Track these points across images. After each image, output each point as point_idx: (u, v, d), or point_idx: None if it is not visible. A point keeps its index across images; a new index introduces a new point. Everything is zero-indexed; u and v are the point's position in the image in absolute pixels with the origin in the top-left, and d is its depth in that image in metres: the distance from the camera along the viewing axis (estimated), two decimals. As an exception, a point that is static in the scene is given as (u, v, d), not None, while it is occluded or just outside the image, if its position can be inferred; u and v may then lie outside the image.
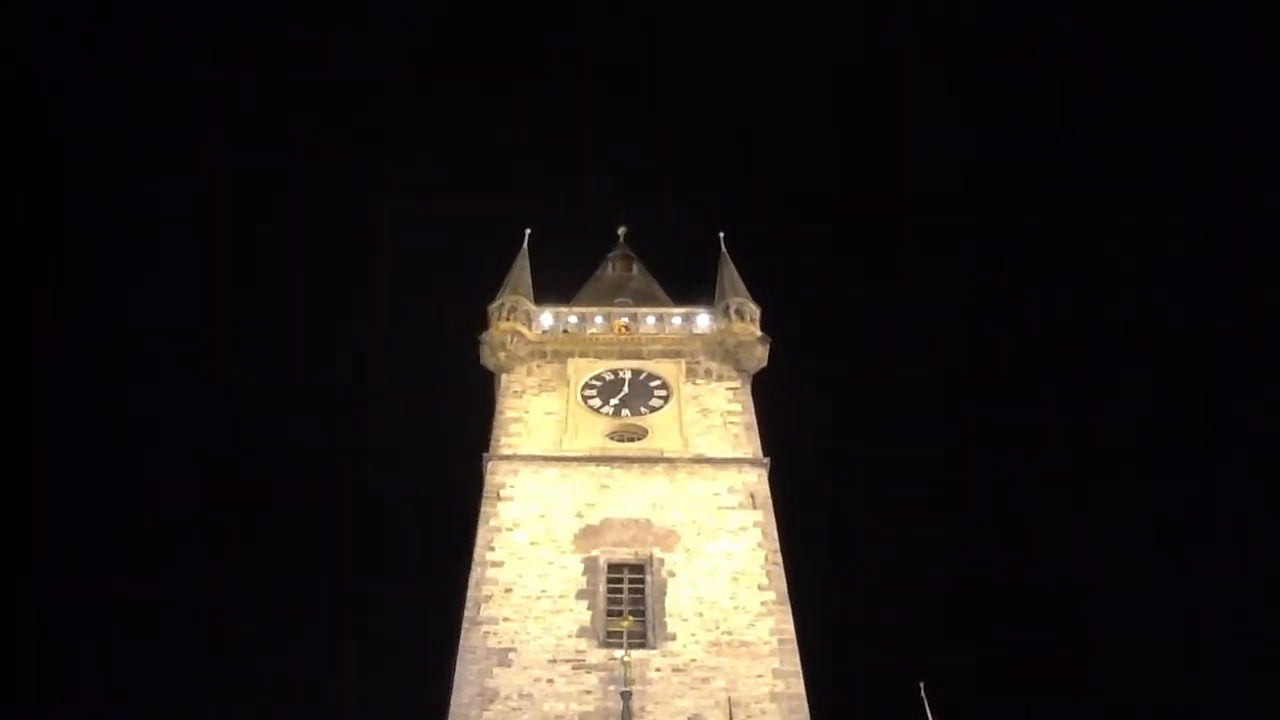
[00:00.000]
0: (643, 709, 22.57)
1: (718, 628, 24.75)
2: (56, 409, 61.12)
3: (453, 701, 23.13)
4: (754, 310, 33.92)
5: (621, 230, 42.30)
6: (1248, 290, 56.60)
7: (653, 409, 30.91)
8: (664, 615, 24.94)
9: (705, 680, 23.57)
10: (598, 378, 31.97)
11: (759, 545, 26.74)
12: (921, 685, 23.94)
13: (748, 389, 31.82)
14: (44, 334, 62.77)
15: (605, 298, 36.79)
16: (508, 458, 29.24)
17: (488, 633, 24.54)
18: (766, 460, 29.20)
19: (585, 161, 78.80)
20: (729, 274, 35.54)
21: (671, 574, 25.97)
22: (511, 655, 24.05)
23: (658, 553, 26.43)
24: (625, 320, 34.11)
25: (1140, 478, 56.83)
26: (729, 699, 23.19)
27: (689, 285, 37.20)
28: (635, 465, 28.86)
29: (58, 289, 65.58)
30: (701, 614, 25.05)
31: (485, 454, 29.47)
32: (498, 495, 28.03)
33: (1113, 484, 58.42)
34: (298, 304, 69.82)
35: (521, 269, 35.67)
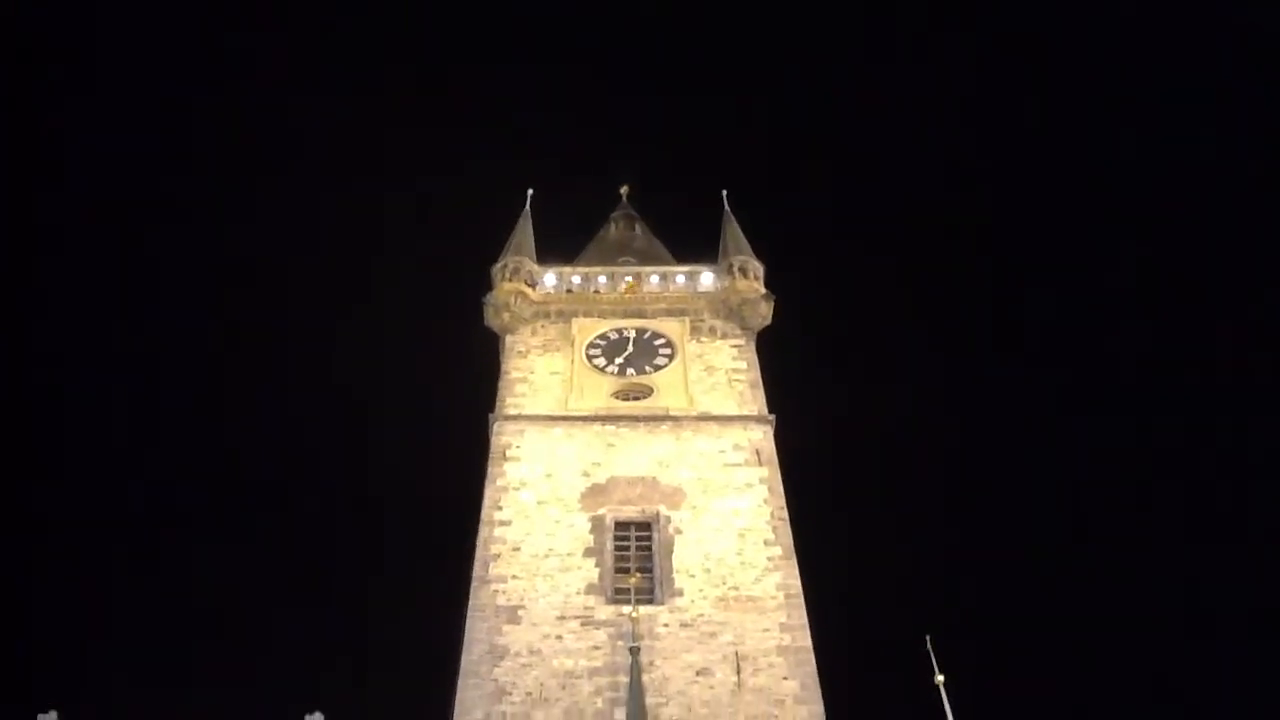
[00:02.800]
0: (651, 664, 22.78)
1: (725, 583, 24.94)
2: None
3: (463, 658, 23.41)
4: (758, 268, 33.86)
5: (624, 189, 42.10)
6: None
7: (657, 368, 30.95)
8: (671, 572, 25.13)
9: (713, 635, 23.80)
10: (602, 337, 31.98)
11: (765, 502, 26.88)
12: (928, 638, 24.06)
13: (752, 346, 31.84)
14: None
15: (609, 257, 36.71)
16: (513, 418, 29.34)
17: (497, 591, 24.76)
18: (772, 417, 29.28)
19: (587, 121, 78.21)
20: (732, 232, 35.44)
21: (678, 531, 26.13)
22: (520, 612, 24.29)
23: (664, 510, 26.58)
24: (630, 279, 34.07)
25: (1143, 424, 57.04)
26: (736, 653, 23.44)
27: (692, 244, 37.11)
28: (641, 424, 28.95)
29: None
30: (708, 570, 25.24)
31: (491, 415, 29.58)
32: (504, 455, 28.16)
33: (1120, 431, 58.55)
34: (300, 269, 69.62)
35: (524, 230, 35.59)
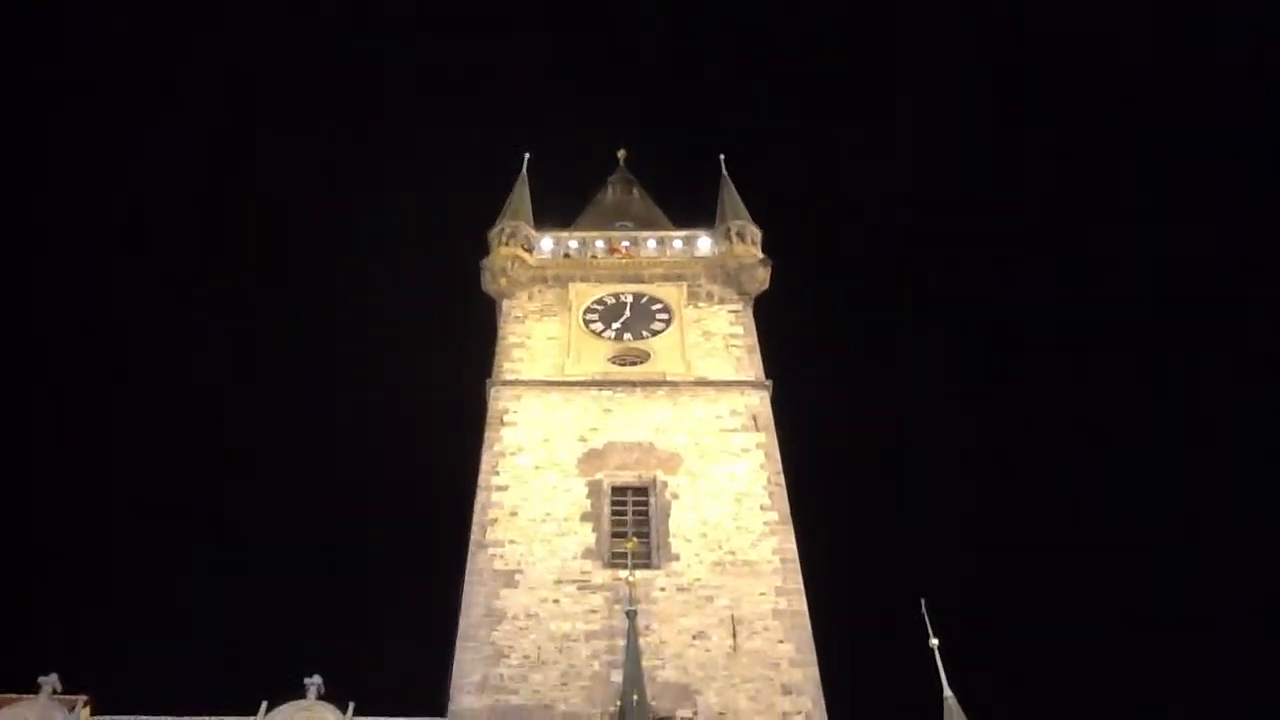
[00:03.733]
0: (647, 627, 22.92)
1: (721, 548, 25.03)
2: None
3: (461, 622, 23.54)
4: (755, 233, 33.74)
5: (621, 153, 41.91)
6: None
7: (654, 333, 30.90)
8: (668, 536, 25.21)
9: (709, 599, 23.92)
10: (599, 302, 31.90)
11: (761, 467, 26.93)
12: (923, 602, 24.21)
13: (749, 311, 31.78)
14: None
15: (606, 222, 36.56)
16: (510, 383, 29.33)
17: (494, 555, 24.85)
18: (769, 383, 29.28)
19: (584, 84, 77.59)
20: (729, 197, 35.26)
21: (675, 496, 26.19)
22: (518, 577, 24.39)
23: (661, 475, 26.63)
24: (626, 244, 33.94)
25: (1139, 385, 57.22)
26: (733, 616, 23.58)
27: (690, 209, 36.98)
28: (638, 389, 28.94)
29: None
30: (705, 535, 25.31)
31: (488, 380, 29.56)
32: (501, 420, 28.18)
33: (1117, 395, 58.73)
34: (298, 233, 69.33)
35: (521, 194, 35.40)
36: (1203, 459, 52.86)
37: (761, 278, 32.52)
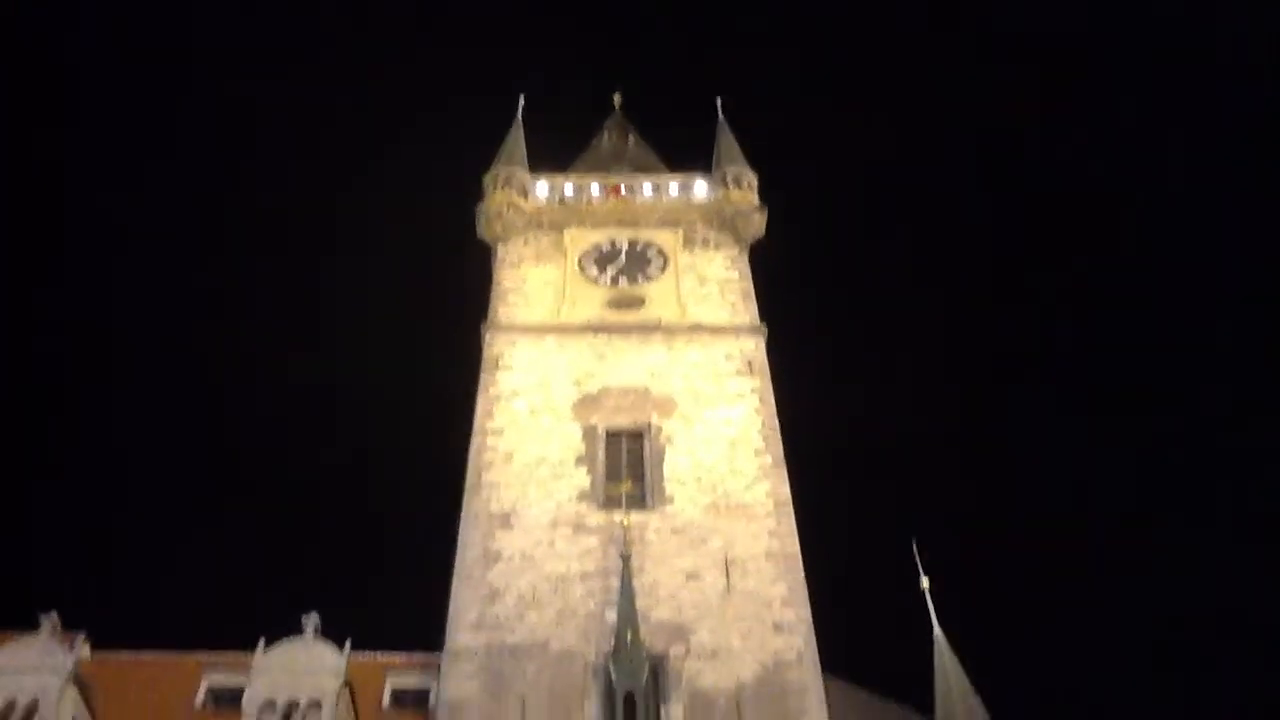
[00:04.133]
0: (641, 568, 23.12)
1: (715, 491, 25.20)
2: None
3: (457, 562, 23.77)
4: (751, 178, 33.59)
5: (617, 97, 41.60)
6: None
7: (650, 278, 30.88)
8: (662, 480, 25.35)
9: (703, 540, 24.12)
10: (595, 247, 31.83)
11: (756, 411, 27.02)
12: (914, 542, 24.48)
13: (745, 257, 31.74)
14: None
15: (601, 167, 36.35)
16: (506, 328, 29.34)
17: (490, 498, 25.02)
18: (764, 328, 29.31)
19: (581, 26, 76.77)
20: (726, 142, 35.06)
21: (669, 440, 26.30)
22: (513, 519, 24.57)
23: (656, 420, 26.74)
24: (621, 188, 33.74)
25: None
26: (726, 558, 23.80)
27: (686, 154, 36.76)
28: (633, 334, 28.96)
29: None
30: (699, 478, 25.45)
31: (483, 324, 29.57)
32: (496, 364, 28.23)
33: (1118, 342, 58.90)
34: (295, 182, 69.02)
35: (516, 139, 35.16)
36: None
37: (758, 224, 32.43)
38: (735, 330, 29.24)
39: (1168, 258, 58.10)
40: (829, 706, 21.45)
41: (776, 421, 26.88)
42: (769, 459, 25.97)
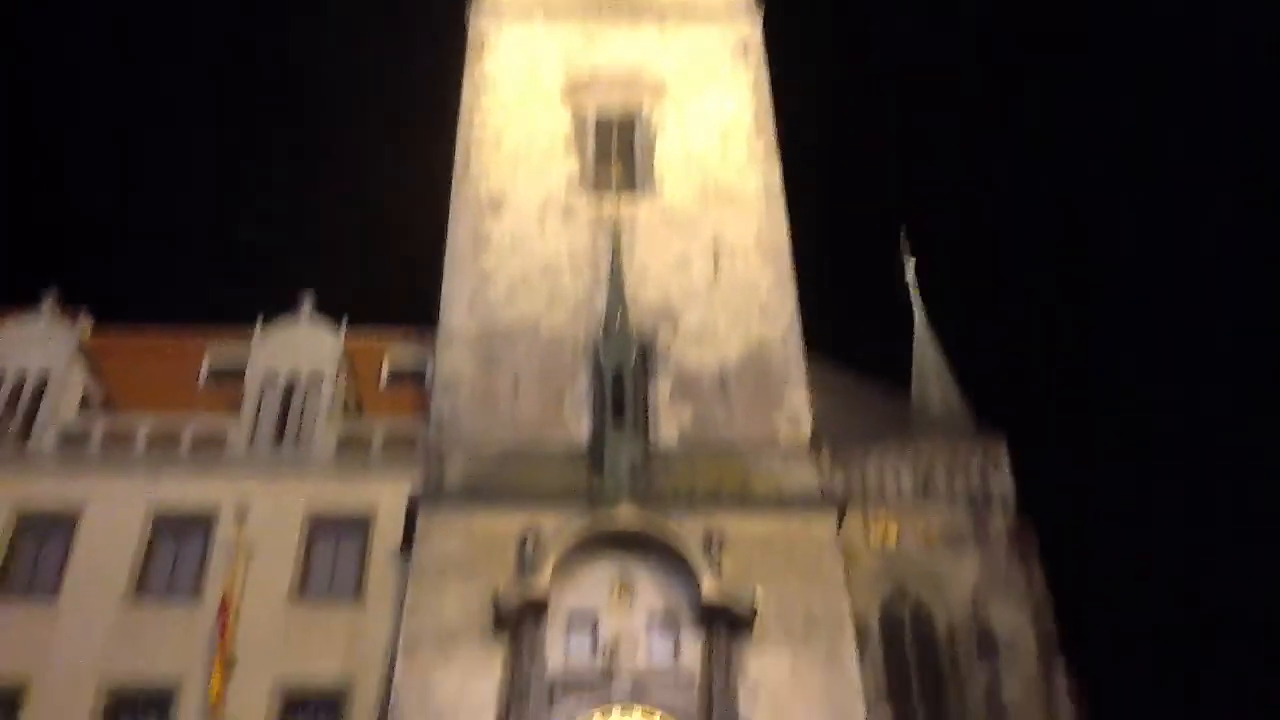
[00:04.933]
0: (631, 253, 23.23)
1: (705, 178, 24.91)
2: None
3: (448, 247, 23.85)
4: None
5: None
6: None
7: (643, -45, 29.04)
8: (652, 165, 25.00)
9: (692, 226, 24.09)
10: (585, -79, 29.72)
11: (750, 97, 26.27)
12: (902, 229, 24.62)
13: (743, -64, 29.73)
14: None
15: None
16: (491, 9, 27.95)
17: (479, 184, 24.76)
18: (760, 9, 27.97)
19: None
20: None
21: (661, 125, 25.71)
22: (502, 204, 24.45)
23: (647, 104, 26.03)
24: None
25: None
26: (715, 243, 23.87)
27: None
28: (624, 14, 27.65)
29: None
30: (690, 165, 25.09)
31: (468, 5, 28.16)
32: (482, 47, 27.17)
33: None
34: None
35: None
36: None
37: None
38: (731, 11, 27.91)
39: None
40: (810, 385, 22.23)
41: (771, 108, 26.19)
42: (761, 146, 25.50)
